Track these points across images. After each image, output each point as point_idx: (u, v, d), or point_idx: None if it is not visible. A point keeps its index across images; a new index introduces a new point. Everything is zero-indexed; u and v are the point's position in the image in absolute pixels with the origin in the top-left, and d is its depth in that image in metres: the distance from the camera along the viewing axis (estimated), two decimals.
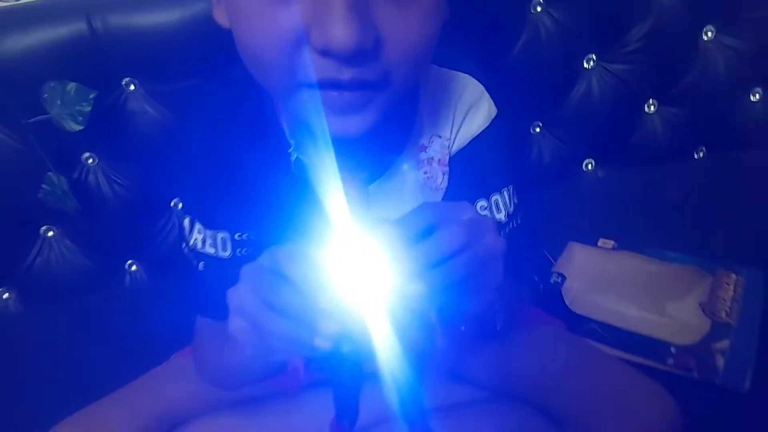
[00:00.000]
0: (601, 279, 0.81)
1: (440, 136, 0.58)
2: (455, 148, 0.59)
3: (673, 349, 0.69)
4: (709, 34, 1.06)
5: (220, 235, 0.57)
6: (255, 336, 0.40)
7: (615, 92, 1.08)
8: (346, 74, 0.40)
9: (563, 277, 0.79)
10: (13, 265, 1.00)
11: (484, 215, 0.57)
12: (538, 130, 1.11)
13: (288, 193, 0.57)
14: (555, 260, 0.85)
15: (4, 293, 1.02)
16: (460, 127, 0.58)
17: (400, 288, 0.35)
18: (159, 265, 1.04)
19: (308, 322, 0.36)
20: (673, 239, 0.87)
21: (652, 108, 1.11)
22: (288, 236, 0.59)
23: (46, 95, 0.83)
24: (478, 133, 0.58)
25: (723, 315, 0.70)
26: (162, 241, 1.03)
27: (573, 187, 1.13)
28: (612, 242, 0.85)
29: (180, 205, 1.01)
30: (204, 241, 0.57)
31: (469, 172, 0.59)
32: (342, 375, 0.40)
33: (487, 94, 0.59)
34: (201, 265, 0.57)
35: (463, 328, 0.46)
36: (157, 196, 1.00)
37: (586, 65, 1.06)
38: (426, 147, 0.58)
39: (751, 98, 1.13)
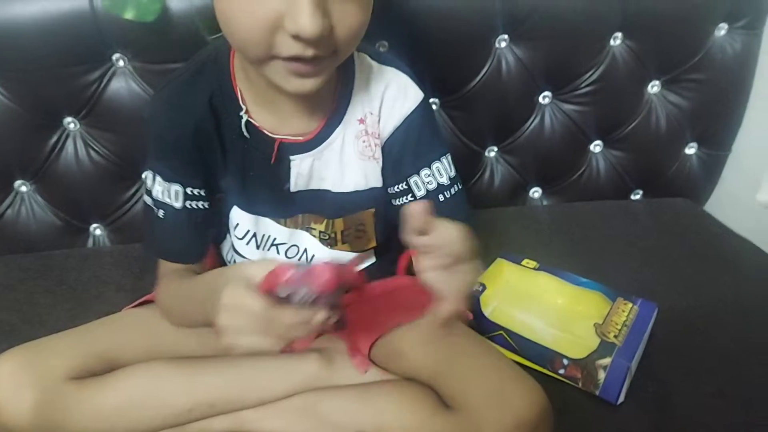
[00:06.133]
0: (519, 294, 0.89)
1: (372, 113, 0.70)
2: (388, 128, 0.71)
3: (565, 361, 0.78)
4: (655, 88, 1.16)
5: (174, 187, 0.67)
6: None
7: (565, 129, 1.17)
8: (309, 51, 0.53)
9: (484, 287, 0.87)
10: None
11: None
12: (492, 154, 1.20)
13: (236, 152, 0.67)
14: (483, 271, 0.93)
15: None
16: (391, 109, 0.70)
17: None
18: (122, 232, 1.10)
19: None
20: (591, 268, 0.95)
21: (597, 148, 1.21)
22: (233, 193, 0.69)
23: None
24: (407, 114, 0.70)
25: (611, 336, 0.79)
26: (128, 210, 1.09)
27: (517, 211, 1.22)
28: (535, 263, 0.94)
29: None
30: (162, 192, 0.67)
31: (407, 147, 0.71)
32: None
33: (411, 82, 0.71)
34: (161, 213, 0.68)
35: None
36: (130, 167, 1.06)
37: (541, 101, 1.15)
38: (364, 120, 0.70)
39: (687, 151, 1.23)
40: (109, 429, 0.67)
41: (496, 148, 1.19)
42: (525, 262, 0.94)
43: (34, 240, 1.07)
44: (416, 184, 0.72)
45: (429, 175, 0.72)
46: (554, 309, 0.87)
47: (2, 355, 0.65)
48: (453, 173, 0.73)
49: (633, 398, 0.76)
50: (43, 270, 1.01)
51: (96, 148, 1.02)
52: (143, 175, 0.71)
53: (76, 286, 0.98)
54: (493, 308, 0.87)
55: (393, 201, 0.76)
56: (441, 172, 0.72)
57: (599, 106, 1.15)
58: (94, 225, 1.10)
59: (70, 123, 1.01)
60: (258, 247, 0.74)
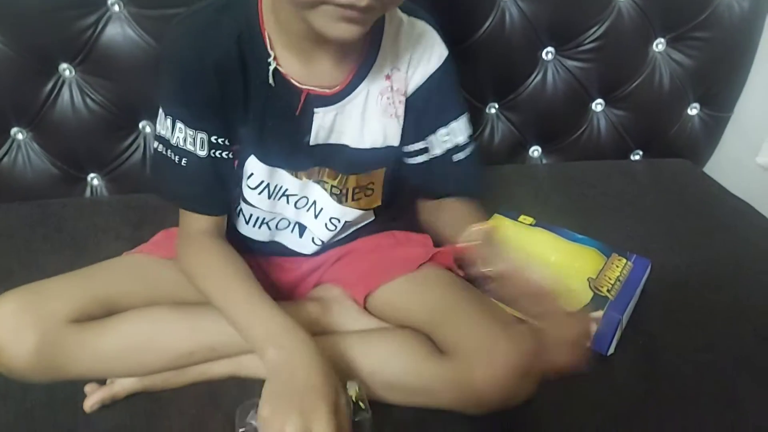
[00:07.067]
0: (514, 249, 0.90)
1: (399, 69, 0.69)
2: (413, 85, 0.70)
3: None
4: (659, 46, 1.14)
5: (199, 135, 0.65)
6: None
7: (567, 86, 1.15)
8: (363, 1, 0.53)
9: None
10: None
11: None
12: (493, 111, 1.19)
13: (259, 100, 0.66)
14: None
15: None
16: (417, 66, 0.70)
17: None
18: (119, 182, 1.10)
19: None
20: (587, 225, 0.95)
21: (598, 107, 1.20)
22: (250, 143, 0.68)
23: None
24: (432, 72, 0.70)
25: (604, 290, 0.80)
26: (126, 160, 1.08)
27: (516, 169, 1.22)
28: (531, 219, 0.94)
29: (148, 128, 1.06)
30: (185, 139, 0.65)
31: (429, 106, 0.71)
32: None
33: (439, 39, 0.71)
34: (183, 161, 0.66)
35: None
36: (127, 116, 1.05)
37: (544, 57, 1.13)
38: (390, 76, 0.69)
39: (689, 112, 1.22)
40: (109, 372, 0.68)
41: (497, 105, 1.18)
42: (521, 218, 0.94)
43: (31, 189, 1.06)
44: (433, 144, 0.73)
45: (447, 134, 0.72)
46: (549, 264, 0.88)
47: (3, 295, 0.65)
48: (469, 131, 0.74)
49: (623, 350, 0.78)
50: (40, 218, 1.01)
51: (92, 96, 1.01)
52: (156, 123, 0.68)
53: (74, 233, 0.98)
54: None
55: (408, 159, 0.75)
56: (458, 131, 0.73)
57: (603, 63, 1.13)
58: (92, 175, 1.09)
59: (66, 70, 0.99)
60: (270, 197, 0.73)
